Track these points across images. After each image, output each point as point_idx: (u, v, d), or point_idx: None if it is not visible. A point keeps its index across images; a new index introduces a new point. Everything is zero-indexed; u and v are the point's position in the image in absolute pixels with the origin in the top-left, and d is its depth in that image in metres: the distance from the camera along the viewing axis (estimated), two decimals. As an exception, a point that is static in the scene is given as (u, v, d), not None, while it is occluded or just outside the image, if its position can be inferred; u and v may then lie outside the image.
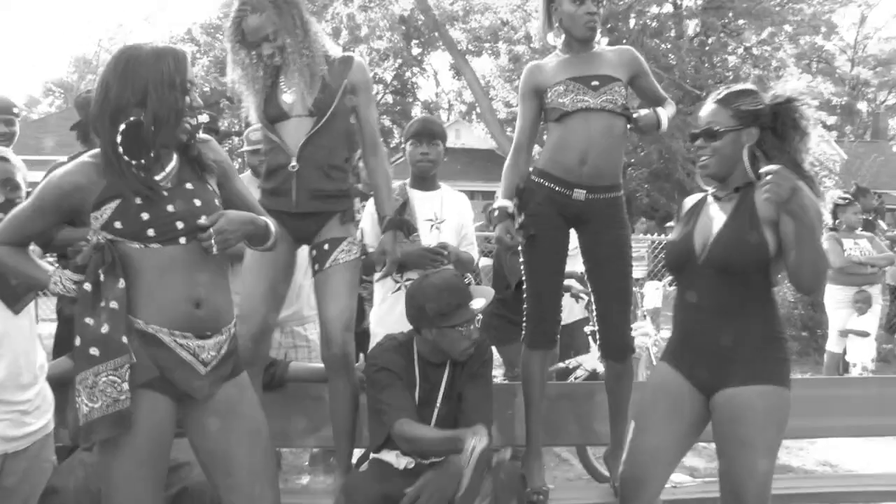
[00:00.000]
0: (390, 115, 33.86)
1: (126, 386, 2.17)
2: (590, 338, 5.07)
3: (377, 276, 3.39)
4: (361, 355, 4.39)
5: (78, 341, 2.20)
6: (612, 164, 3.10)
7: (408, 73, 34.33)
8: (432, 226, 3.52)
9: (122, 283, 2.18)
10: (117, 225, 2.20)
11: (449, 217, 3.53)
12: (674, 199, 18.91)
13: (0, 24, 70.27)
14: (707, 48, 19.31)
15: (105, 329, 2.15)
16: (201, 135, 2.39)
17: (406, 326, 3.04)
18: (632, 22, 18.01)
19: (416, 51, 31.63)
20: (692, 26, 19.39)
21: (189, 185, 2.34)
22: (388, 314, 3.47)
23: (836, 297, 7.09)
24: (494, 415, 3.05)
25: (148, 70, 2.21)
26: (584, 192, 3.06)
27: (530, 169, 3.20)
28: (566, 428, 3.35)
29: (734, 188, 2.60)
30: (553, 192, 3.09)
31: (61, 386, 3.03)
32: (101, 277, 2.18)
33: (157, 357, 2.23)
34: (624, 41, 16.93)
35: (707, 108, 2.61)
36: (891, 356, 8.65)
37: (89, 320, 2.18)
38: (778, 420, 2.51)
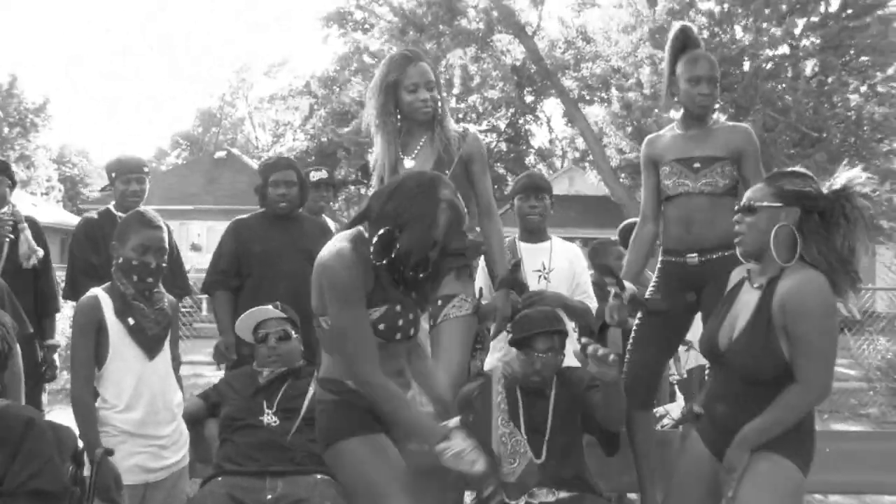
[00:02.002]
0: (504, 163, 34.19)
1: None
2: (675, 387, 5.08)
3: (491, 333, 3.49)
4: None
5: None
6: (718, 231, 3.13)
7: (521, 121, 34.66)
8: (540, 276, 3.64)
9: None
10: (381, 327, 2.44)
11: (558, 266, 3.65)
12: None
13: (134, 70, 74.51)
14: (826, 88, 18.72)
15: None
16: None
17: None
18: (746, 65, 17.71)
19: (528, 98, 31.94)
20: (809, 66, 18.88)
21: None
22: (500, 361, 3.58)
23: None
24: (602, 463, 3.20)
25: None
26: (696, 255, 3.19)
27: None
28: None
29: (768, 278, 2.52)
30: (670, 263, 3.27)
31: (194, 424, 3.33)
32: None
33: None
34: (736, 86, 16.65)
35: (755, 185, 2.60)
36: None
37: None
38: (787, 493, 2.45)
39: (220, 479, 3.04)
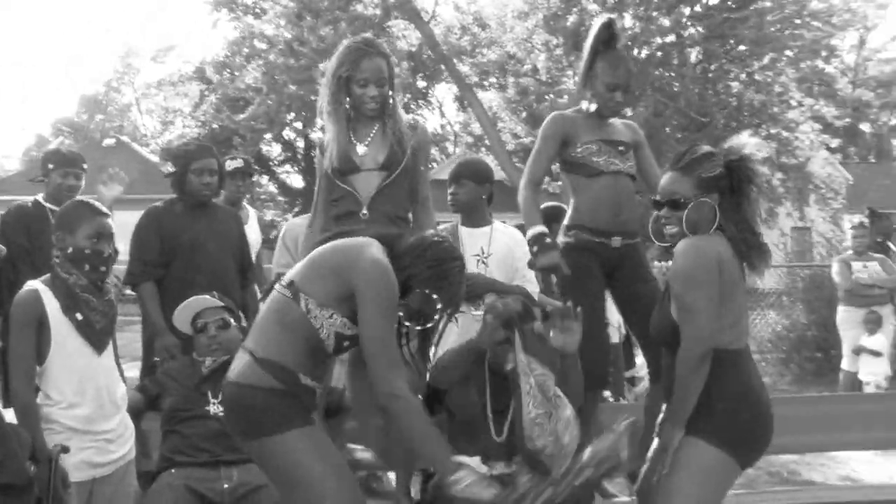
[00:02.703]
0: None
1: None
2: None
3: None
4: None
5: None
6: (637, 216, 3.42)
7: (413, 107, 34.70)
8: (479, 260, 3.71)
9: None
10: (345, 344, 2.44)
11: (496, 251, 3.72)
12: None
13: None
14: (710, 75, 19.62)
15: None
16: None
17: None
18: (636, 52, 18.34)
19: (420, 84, 32.01)
20: (694, 54, 19.72)
21: None
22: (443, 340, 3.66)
23: (847, 318, 7.33)
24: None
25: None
26: (620, 238, 3.36)
27: (565, 223, 3.46)
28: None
29: None
30: (593, 243, 3.37)
31: (132, 418, 3.29)
32: None
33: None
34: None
35: (669, 177, 2.67)
36: (903, 375, 8.82)
37: None
38: (697, 473, 2.54)
39: (173, 471, 3.03)
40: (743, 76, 19.61)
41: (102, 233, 2.91)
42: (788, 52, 19.69)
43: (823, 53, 22.12)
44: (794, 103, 19.30)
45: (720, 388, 2.54)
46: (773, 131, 18.86)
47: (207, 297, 3.51)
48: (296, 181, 31.58)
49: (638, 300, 3.36)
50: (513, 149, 22.97)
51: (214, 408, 3.21)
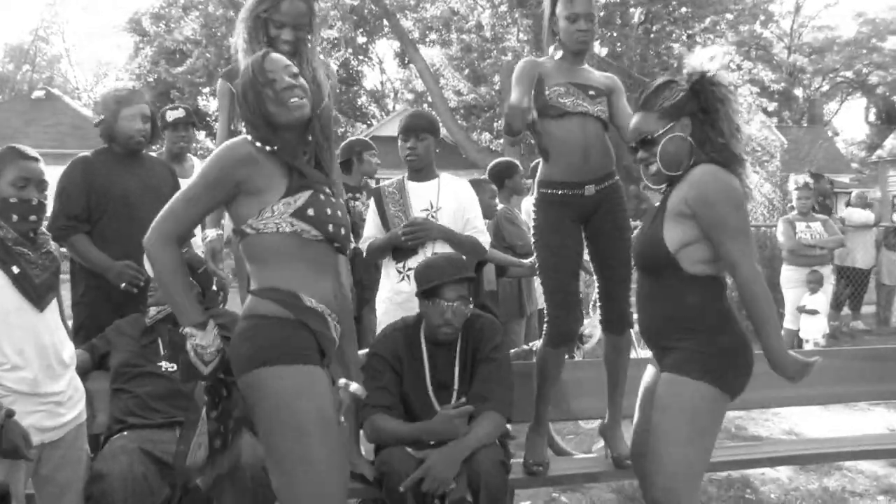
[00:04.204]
0: (337, 105, 33.49)
1: None
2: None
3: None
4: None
5: None
6: (608, 158, 3.35)
7: (353, 62, 34.19)
8: (428, 214, 3.65)
9: None
10: (310, 212, 2.34)
11: (445, 204, 3.66)
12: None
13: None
14: (652, 36, 19.75)
15: None
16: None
17: (409, 314, 3.26)
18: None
19: (361, 39, 31.53)
20: (637, 14, 19.81)
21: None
22: (391, 302, 3.61)
23: (790, 278, 7.54)
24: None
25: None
26: (594, 185, 3.30)
27: (538, 178, 3.40)
28: (526, 407, 3.46)
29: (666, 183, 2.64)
30: (567, 196, 3.31)
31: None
32: None
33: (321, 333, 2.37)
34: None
35: (635, 118, 2.65)
36: (839, 332, 9.11)
37: None
38: (685, 410, 2.50)
39: (125, 433, 2.94)
40: (684, 37, 19.83)
41: (29, 178, 2.69)
42: (728, 15, 19.96)
43: (762, 18, 22.46)
44: (733, 66, 19.59)
45: (702, 314, 2.54)
46: (712, 93, 19.17)
47: None
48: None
49: (608, 246, 3.35)
50: (455, 106, 22.84)
51: (166, 364, 3.13)
